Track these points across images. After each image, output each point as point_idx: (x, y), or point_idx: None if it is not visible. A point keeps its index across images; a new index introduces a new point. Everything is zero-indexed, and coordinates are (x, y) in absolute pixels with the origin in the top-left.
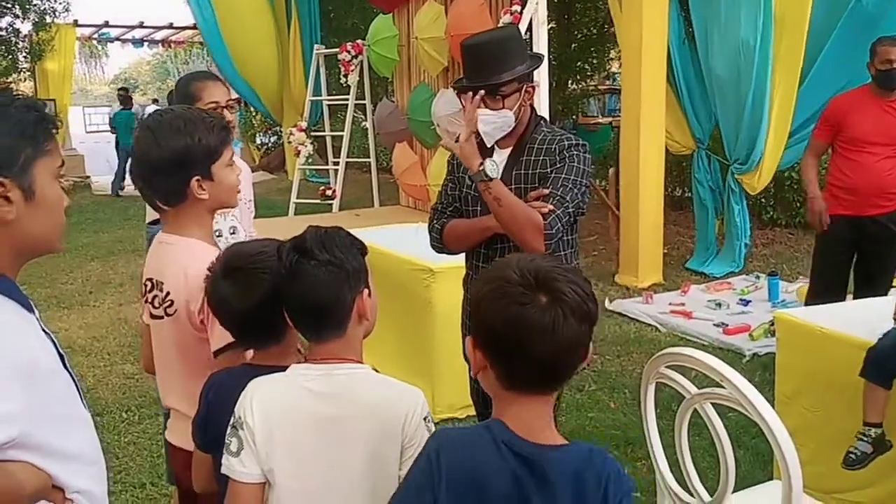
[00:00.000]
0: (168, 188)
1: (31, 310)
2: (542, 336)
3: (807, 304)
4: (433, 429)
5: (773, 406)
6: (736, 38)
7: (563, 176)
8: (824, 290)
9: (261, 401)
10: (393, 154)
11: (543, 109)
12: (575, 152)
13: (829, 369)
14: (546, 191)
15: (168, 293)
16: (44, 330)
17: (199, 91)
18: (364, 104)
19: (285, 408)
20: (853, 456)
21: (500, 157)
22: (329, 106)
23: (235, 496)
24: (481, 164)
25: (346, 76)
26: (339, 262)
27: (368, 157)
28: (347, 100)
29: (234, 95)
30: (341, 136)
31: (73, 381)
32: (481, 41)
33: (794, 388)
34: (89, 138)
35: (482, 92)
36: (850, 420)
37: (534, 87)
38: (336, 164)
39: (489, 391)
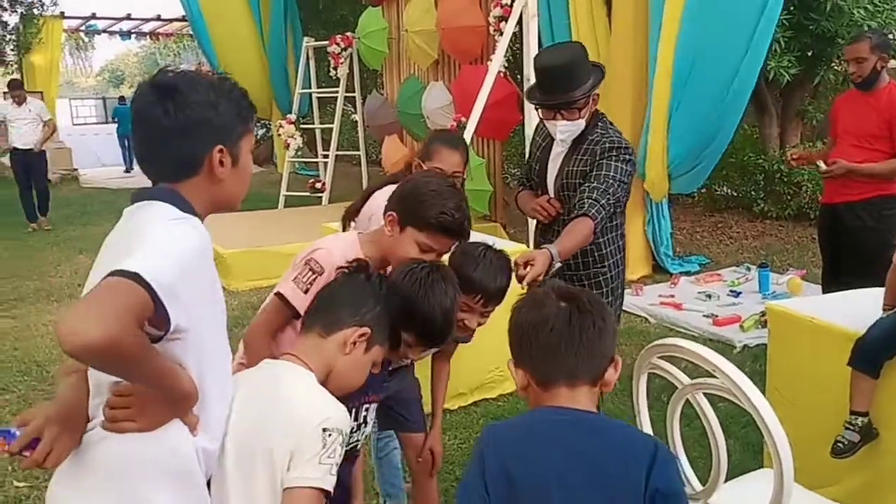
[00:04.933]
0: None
1: None
2: (557, 328)
3: (823, 292)
4: (336, 449)
5: (763, 393)
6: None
7: (605, 173)
8: (825, 280)
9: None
10: (382, 147)
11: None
12: (614, 154)
13: (820, 359)
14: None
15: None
16: None
17: (432, 152)
18: (354, 97)
19: (235, 391)
20: (841, 445)
21: (560, 149)
22: (318, 98)
23: None
24: (550, 266)
25: (335, 69)
26: (376, 295)
27: (358, 149)
28: (337, 92)
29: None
30: (331, 129)
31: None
32: (555, 63)
33: (785, 378)
34: (76, 130)
35: None
36: (838, 410)
37: (598, 95)
38: (325, 156)
39: (535, 405)
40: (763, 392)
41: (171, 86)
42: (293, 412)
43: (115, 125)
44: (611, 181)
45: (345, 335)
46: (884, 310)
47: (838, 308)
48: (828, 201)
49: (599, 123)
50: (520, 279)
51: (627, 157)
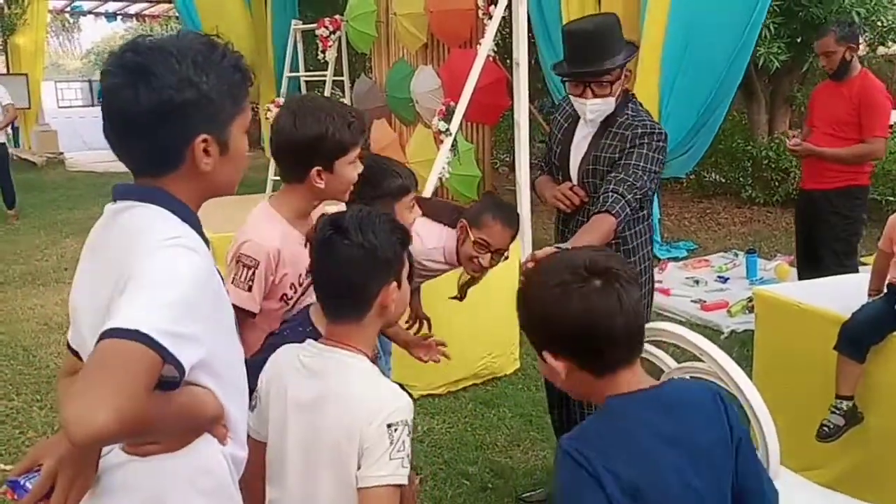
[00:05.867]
0: (288, 168)
1: (208, 246)
2: (616, 315)
3: (799, 277)
4: (404, 440)
5: (750, 378)
6: None
7: (633, 162)
8: (799, 263)
9: (270, 364)
10: (371, 131)
11: (523, 88)
12: (647, 140)
13: (806, 344)
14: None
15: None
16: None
17: (484, 223)
18: (342, 80)
19: (281, 377)
20: (826, 429)
21: (586, 131)
22: (307, 82)
23: (249, 450)
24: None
25: (323, 52)
26: (371, 247)
27: None
28: (325, 76)
29: None
30: None
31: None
32: (586, 29)
33: (772, 363)
34: (61, 113)
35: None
36: (824, 394)
37: (630, 72)
38: None
39: (582, 392)
40: (750, 376)
41: (141, 64)
42: (353, 413)
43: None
44: (640, 172)
45: (378, 306)
46: (869, 295)
47: (825, 293)
48: (804, 187)
49: (630, 104)
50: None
51: (660, 143)
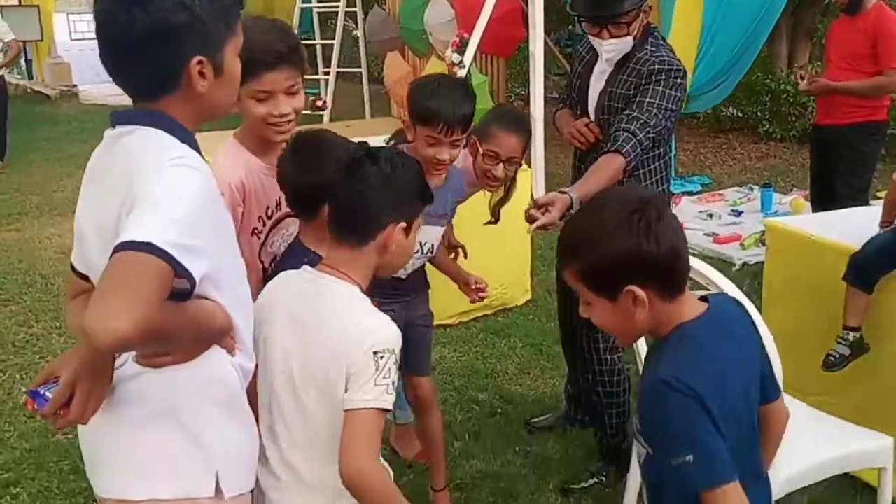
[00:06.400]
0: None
1: None
2: (681, 232)
3: (813, 210)
4: (390, 367)
5: (759, 311)
6: None
7: (648, 100)
8: (813, 199)
9: (267, 289)
10: (384, 63)
11: (538, 19)
12: (663, 77)
13: (816, 275)
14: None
15: None
16: None
17: (489, 134)
18: (355, 12)
19: (274, 301)
20: (832, 358)
21: (604, 66)
22: (319, 13)
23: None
24: (567, 213)
25: None
26: (396, 182)
27: (359, 66)
28: (338, 7)
29: None
30: (332, 45)
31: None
32: None
33: (781, 294)
34: (74, 46)
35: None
36: (831, 325)
37: (650, 7)
38: (326, 73)
39: (653, 324)
40: (759, 308)
41: None
42: (342, 339)
43: None
44: (654, 110)
45: (382, 238)
46: (880, 226)
47: (836, 225)
48: (819, 122)
49: (650, 39)
50: (530, 220)
51: (678, 80)
